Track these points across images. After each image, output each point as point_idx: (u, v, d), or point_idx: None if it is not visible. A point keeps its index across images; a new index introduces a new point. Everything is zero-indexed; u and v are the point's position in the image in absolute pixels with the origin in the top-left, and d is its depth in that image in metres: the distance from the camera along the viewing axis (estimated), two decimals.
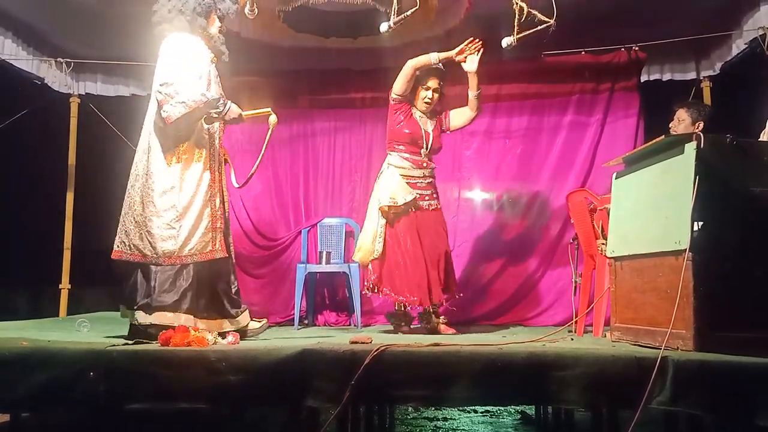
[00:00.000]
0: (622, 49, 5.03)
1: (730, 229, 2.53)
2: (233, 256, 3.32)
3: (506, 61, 4.89)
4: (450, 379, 2.38)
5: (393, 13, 3.66)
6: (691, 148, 2.54)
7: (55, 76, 5.22)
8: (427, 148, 3.85)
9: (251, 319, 3.33)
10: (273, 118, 3.25)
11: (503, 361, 2.40)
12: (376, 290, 3.83)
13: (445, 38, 4.34)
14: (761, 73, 4.30)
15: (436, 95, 3.85)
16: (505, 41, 3.81)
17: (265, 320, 3.46)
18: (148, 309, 2.93)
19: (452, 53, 3.72)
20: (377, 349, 2.40)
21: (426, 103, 3.85)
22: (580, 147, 5.13)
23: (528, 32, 3.74)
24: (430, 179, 3.91)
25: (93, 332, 3.31)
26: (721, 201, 2.52)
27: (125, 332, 3.10)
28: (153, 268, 2.95)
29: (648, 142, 2.99)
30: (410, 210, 3.80)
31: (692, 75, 5.28)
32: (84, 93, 5.55)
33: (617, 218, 3.16)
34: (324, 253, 4.73)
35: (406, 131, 3.82)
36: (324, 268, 4.74)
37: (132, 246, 2.99)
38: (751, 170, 2.58)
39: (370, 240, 3.83)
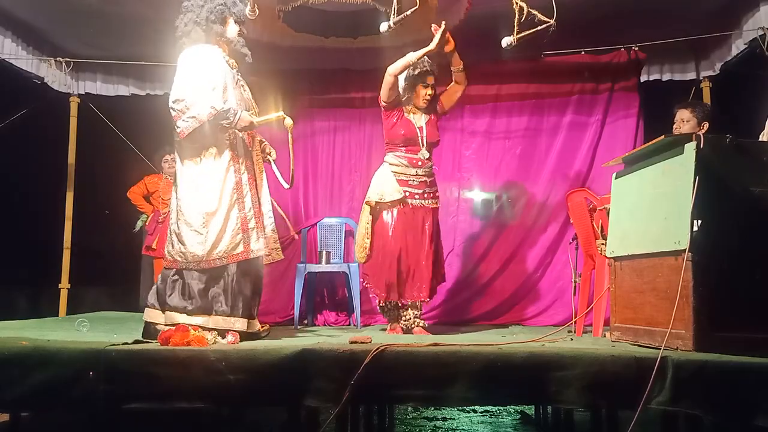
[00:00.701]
0: (622, 49, 5.04)
1: (730, 229, 2.52)
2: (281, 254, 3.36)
3: (506, 61, 4.90)
4: (449, 378, 2.38)
5: (393, 13, 3.66)
6: (690, 148, 2.54)
7: (54, 75, 5.21)
8: (423, 144, 3.85)
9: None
10: (288, 121, 3.26)
11: (503, 361, 2.40)
12: (366, 283, 3.90)
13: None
14: (761, 73, 4.30)
15: (433, 91, 3.88)
16: (505, 41, 3.80)
17: (267, 325, 3.52)
18: (178, 311, 2.95)
19: (429, 48, 3.66)
20: (377, 349, 2.40)
21: (426, 100, 3.86)
22: (579, 147, 5.14)
23: (528, 32, 3.73)
24: (425, 178, 3.87)
25: (93, 332, 3.31)
26: (721, 201, 2.52)
27: (126, 332, 3.09)
28: (186, 273, 3.00)
29: (648, 142, 2.99)
30: (398, 207, 3.81)
31: (692, 75, 5.28)
32: (84, 93, 5.56)
33: (617, 218, 3.16)
34: (324, 252, 4.75)
35: (402, 132, 3.83)
36: (324, 267, 4.75)
37: (168, 253, 3.07)
38: (751, 170, 2.58)
39: (360, 236, 3.87)
